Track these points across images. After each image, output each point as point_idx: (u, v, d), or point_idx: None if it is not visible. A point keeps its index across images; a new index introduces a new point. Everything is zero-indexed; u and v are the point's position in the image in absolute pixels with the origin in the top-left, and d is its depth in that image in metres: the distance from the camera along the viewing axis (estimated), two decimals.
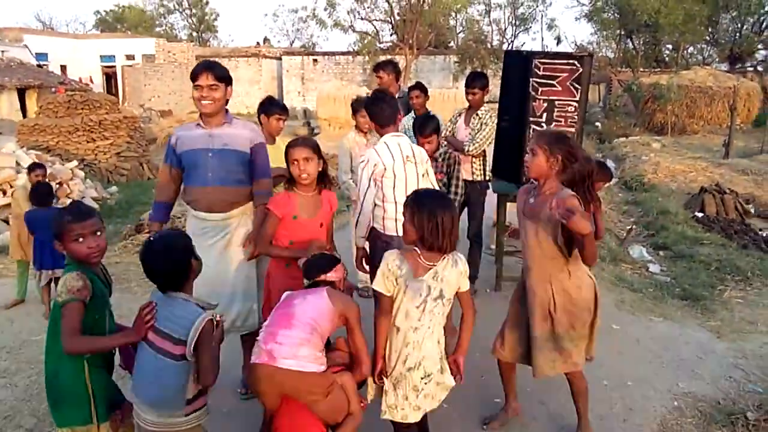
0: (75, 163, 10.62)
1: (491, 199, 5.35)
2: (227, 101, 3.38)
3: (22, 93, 23.83)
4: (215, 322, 2.22)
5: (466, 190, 5.06)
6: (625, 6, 27.00)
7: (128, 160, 13.19)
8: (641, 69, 28.03)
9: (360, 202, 3.48)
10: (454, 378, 2.64)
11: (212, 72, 3.21)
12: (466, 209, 5.16)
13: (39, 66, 27.94)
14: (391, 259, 2.47)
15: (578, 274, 2.85)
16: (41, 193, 5.20)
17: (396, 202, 3.42)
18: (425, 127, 4.21)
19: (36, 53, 28.53)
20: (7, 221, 7.80)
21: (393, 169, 3.40)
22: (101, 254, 2.34)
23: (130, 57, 31.51)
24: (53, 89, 21.06)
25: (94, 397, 2.27)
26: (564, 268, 2.82)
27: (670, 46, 31.20)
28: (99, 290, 2.29)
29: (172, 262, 2.22)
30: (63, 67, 30.23)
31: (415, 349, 2.50)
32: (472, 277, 5.20)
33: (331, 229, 3.25)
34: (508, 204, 5.43)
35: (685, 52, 31.42)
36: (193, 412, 2.24)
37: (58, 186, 9.22)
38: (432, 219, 2.36)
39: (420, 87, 5.53)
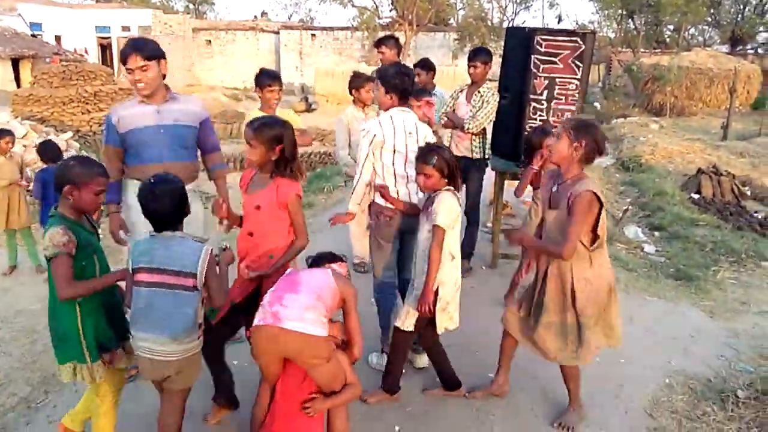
0: (70, 134, 10.53)
1: (489, 177, 5.33)
2: (164, 76, 3.29)
3: (15, 63, 23.51)
4: (224, 248, 2.61)
5: (464, 167, 5.05)
6: None
7: None
8: (642, 50, 27.84)
9: (359, 169, 3.46)
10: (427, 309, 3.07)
11: (140, 53, 3.10)
12: (463, 186, 5.14)
13: (33, 36, 27.51)
14: (453, 198, 2.95)
15: (599, 262, 2.84)
16: (53, 149, 5.20)
17: (396, 176, 3.42)
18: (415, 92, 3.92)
19: (30, 23, 28.04)
20: None
21: (393, 143, 3.38)
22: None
23: (125, 28, 31.01)
24: (48, 59, 20.77)
25: (85, 337, 2.47)
26: (586, 256, 2.81)
27: (671, 27, 30.95)
28: (85, 240, 2.46)
29: (171, 203, 2.41)
30: (57, 38, 29.76)
31: (457, 269, 3.05)
32: (468, 255, 5.22)
33: (296, 218, 2.83)
34: (506, 182, 5.43)
35: (687, 33, 31.18)
36: (200, 335, 2.51)
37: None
38: (451, 163, 2.94)
39: (423, 65, 5.41)
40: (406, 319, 3.06)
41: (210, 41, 34.11)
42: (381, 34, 30.46)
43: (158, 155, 3.23)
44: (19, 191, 5.59)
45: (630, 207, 8.27)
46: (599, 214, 2.75)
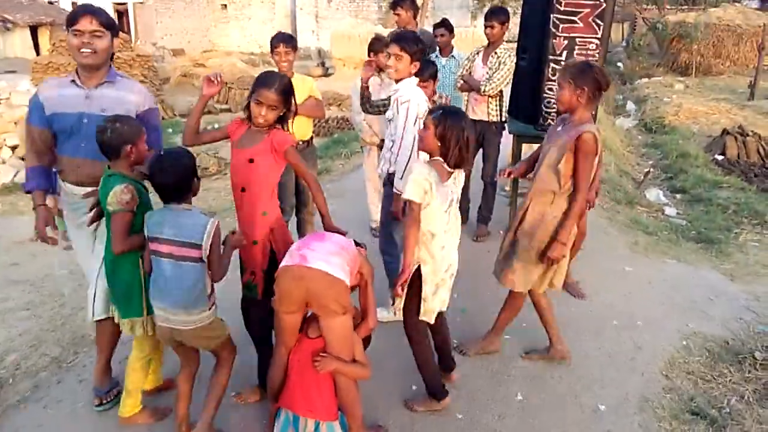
0: None
1: (507, 140, 5.28)
2: (113, 55, 2.88)
3: (34, 31, 23.60)
4: (232, 231, 2.63)
5: (481, 131, 5.01)
6: None
7: None
8: (668, 6, 26.91)
9: (404, 141, 3.33)
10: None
11: (96, 16, 2.71)
12: (480, 150, 5.11)
13: (50, 3, 27.50)
14: (422, 168, 2.64)
15: (561, 205, 2.99)
16: None
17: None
18: (423, 71, 3.76)
19: None
20: (23, 159, 7.89)
21: (425, 112, 3.39)
22: None
23: None
24: (65, 27, 20.78)
25: (145, 290, 2.61)
26: (550, 193, 2.98)
27: None
28: (145, 198, 2.64)
29: (179, 175, 2.46)
30: (74, 5, 29.70)
31: (449, 252, 2.76)
32: (486, 219, 5.21)
33: (298, 164, 2.79)
34: (524, 145, 5.37)
35: None
36: (212, 305, 2.57)
37: None
38: (451, 133, 2.59)
39: (446, 25, 5.38)
40: (394, 304, 2.95)
41: (225, 5, 33.75)
42: None
43: (73, 148, 2.80)
44: None
45: (652, 169, 8.15)
46: (591, 161, 2.90)
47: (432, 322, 2.83)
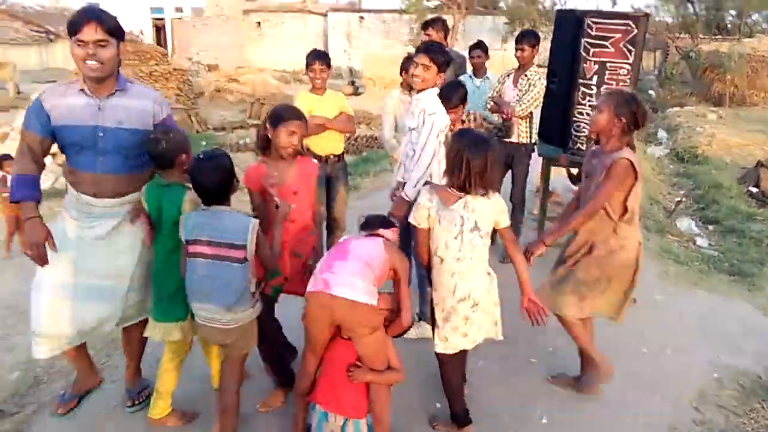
0: None
1: (536, 163, 5.28)
2: (120, 62, 2.64)
3: None
4: (277, 206, 2.69)
5: (510, 153, 5.01)
6: None
7: (177, 111, 13.38)
8: (701, 36, 26.70)
9: (424, 152, 3.35)
10: (537, 317, 2.75)
11: (101, 23, 2.45)
12: (509, 172, 5.11)
13: None
14: (422, 192, 2.68)
15: (625, 235, 2.92)
16: None
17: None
18: (451, 97, 3.72)
19: (88, 3, 28.98)
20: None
21: (447, 126, 3.47)
22: None
23: (179, 10, 31.77)
24: None
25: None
26: (610, 226, 2.91)
27: (733, 13, 29.55)
28: None
29: (220, 177, 2.50)
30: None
31: (462, 280, 2.63)
32: None
33: (314, 198, 3.01)
34: (553, 168, 5.36)
35: (749, 19, 29.72)
36: (255, 302, 2.64)
37: None
38: (458, 156, 2.53)
39: (481, 46, 5.44)
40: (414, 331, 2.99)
41: (260, 23, 34.48)
42: (429, 16, 30.06)
43: (89, 163, 2.62)
44: None
45: (683, 199, 8.03)
46: (632, 186, 2.82)
47: (446, 352, 2.71)
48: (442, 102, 3.62)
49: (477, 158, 2.50)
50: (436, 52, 3.43)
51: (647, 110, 2.91)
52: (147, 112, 2.70)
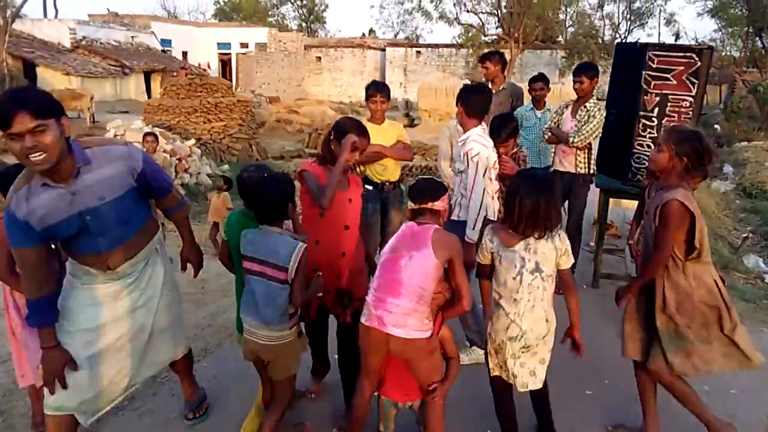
0: (192, 141, 11.39)
1: (594, 195, 5.23)
2: (68, 138, 2.29)
3: (147, 76, 25.84)
4: (318, 274, 2.73)
5: (568, 183, 5.00)
6: (755, 1, 24.86)
7: (239, 141, 13.96)
8: None
9: (473, 191, 3.42)
10: (578, 352, 2.75)
11: (30, 109, 2.09)
12: (566, 202, 5.09)
13: (163, 51, 30.11)
14: (485, 233, 2.75)
15: (697, 274, 2.75)
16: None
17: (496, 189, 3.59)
18: (502, 131, 3.73)
19: (161, 39, 30.71)
20: None
21: (495, 160, 3.54)
22: None
23: (244, 45, 33.13)
24: (175, 73, 22.64)
25: None
26: (679, 266, 2.75)
27: None
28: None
29: (278, 199, 2.60)
30: (184, 53, 32.33)
31: (516, 320, 2.61)
32: None
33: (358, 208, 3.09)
34: (611, 200, 5.29)
35: None
36: (294, 325, 2.72)
37: (177, 161, 9.96)
38: (512, 198, 2.55)
39: (543, 78, 5.50)
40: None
41: (320, 57, 35.61)
42: (486, 50, 30.22)
43: (93, 245, 2.45)
44: None
45: (750, 235, 7.74)
46: (693, 224, 2.66)
47: (504, 377, 2.73)
48: (492, 136, 3.69)
49: (529, 200, 2.50)
50: (472, 92, 3.64)
51: (712, 146, 2.79)
52: (124, 174, 2.47)
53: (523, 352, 2.65)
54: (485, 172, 3.43)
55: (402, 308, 2.43)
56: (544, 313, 2.65)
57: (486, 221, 3.49)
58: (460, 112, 3.62)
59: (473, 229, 3.41)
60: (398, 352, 2.50)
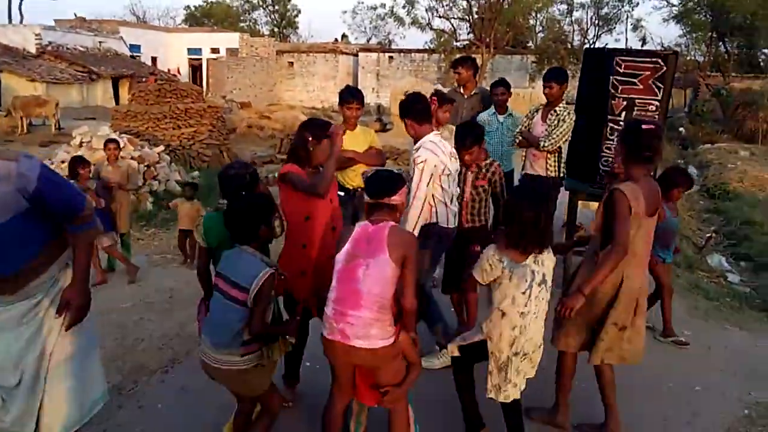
0: (162, 148, 11.20)
1: (564, 197, 5.30)
2: None
3: (115, 82, 25.41)
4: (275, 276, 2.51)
5: None
6: (718, 7, 25.54)
7: (210, 147, 13.76)
8: (733, 74, 26.55)
9: (415, 197, 3.43)
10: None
11: None
12: None
13: (132, 57, 29.66)
14: (489, 255, 2.61)
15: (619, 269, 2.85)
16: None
17: (453, 196, 3.63)
18: (465, 138, 3.71)
19: (130, 45, 30.26)
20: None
21: (448, 167, 3.54)
22: None
23: (215, 50, 32.83)
24: (144, 79, 22.31)
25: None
26: (595, 255, 2.89)
27: (766, 51, 29.37)
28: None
29: (244, 220, 2.53)
30: (154, 59, 31.90)
31: (522, 333, 2.62)
32: None
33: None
34: (580, 203, 5.36)
35: None
36: (246, 354, 2.49)
37: (146, 168, 9.79)
38: (511, 213, 2.55)
39: (504, 84, 5.55)
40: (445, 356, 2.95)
41: (292, 63, 35.45)
42: (458, 56, 30.61)
43: None
44: (123, 198, 6.00)
45: (714, 235, 7.92)
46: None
47: (499, 399, 2.73)
48: (457, 144, 3.72)
49: (531, 215, 2.50)
50: (414, 102, 3.64)
51: (653, 138, 2.74)
52: (9, 196, 2.09)
53: (522, 362, 2.68)
54: (430, 179, 3.45)
55: (364, 319, 2.39)
56: (543, 322, 2.69)
57: (437, 228, 3.54)
58: (410, 126, 3.60)
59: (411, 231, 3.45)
60: (364, 363, 2.49)
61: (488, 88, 5.83)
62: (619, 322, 2.86)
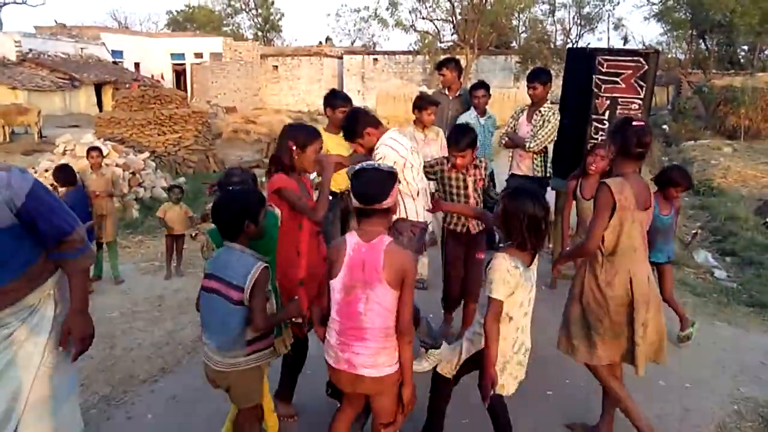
0: (147, 154, 11.13)
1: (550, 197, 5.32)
2: None
3: (98, 88, 25.17)
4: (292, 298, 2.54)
5: None
6: (697, 5, 25.85)
7: (195, 152, 13.70)
8: (713, 71, 26.87)
9: None
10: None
11: None
12: None
13: (114, 63, 29.41)
14: (506, 264, 2.45)
15: (612, 271, 2.80)
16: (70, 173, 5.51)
17: (420, 189, 3.65)
18: (460, 141, 3.75)
19: (112, 50, 30.00)
20: None
21: (409, 160, 3.55)
22: None
23: (198, 55, 32.65)
24: (127, 85, 22.14)
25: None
26: (599, 259, 2.82)
27: (746, 48, 29.77)
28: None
29: (228, 214, 2.48)
30: (137, 65, 31.65)
31: (523, 332, 2.61)
32: None
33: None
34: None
35: (762, 54, 29.90)
36: (253, 352, 2.49)
37: (131, 175, 9.72)
38: (515, 219, 2.44)
39: (485, 86, 5.56)
40: (446, 365, 2.83)
41: (277, 66, 35.37)
42: (442, 57, 30.85)
43: None
44: (109, 206, 5.94)
45: (699, 231, 8.00)
46: (612, 216, 2.70)
47: (505, 394, 2.65)
48: (450, 145, 3.77)
49: (530, 212, 2.43)
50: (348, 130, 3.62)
51: (644, 135, 2.74)
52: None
53: (524, 356, 2.64)
54: None
55: (370, 349, 2.30)
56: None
57: (408, 222, 3.59)
58: (369, 134, 3.53)
59: None
60: (370, 391, 2.39)
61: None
62: (646, 322, 2.81)
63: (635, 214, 2.74)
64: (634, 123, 2.78)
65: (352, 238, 2.34)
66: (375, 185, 2.31)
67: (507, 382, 2.63)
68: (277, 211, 2.88)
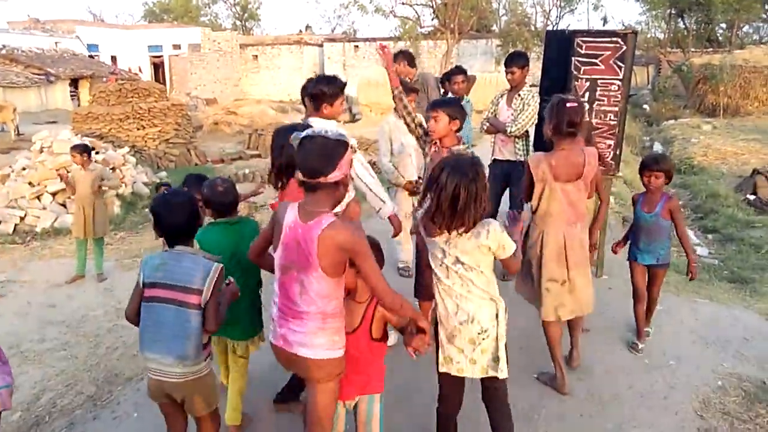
0: (126, 149, 10.96)
1: None
2: None
3: (75, 83, 24.76)
4: (227, 282, 2.50)
5: (508, 170, 5.08)
6: None
7: (176, 146, 13.51)
8: (692, 49, 27.04)
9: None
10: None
11: None
12: (507, 190, 5.17)
13: (91, 57, 28.92)
14: (417, 217, 2.58)
15: (536, 232, 3.32)
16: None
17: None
18: (452, 103, 3.59)
19: (87, 44, 29.50)
20: (64, 205, 8.18)
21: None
22: None
23: (176, 47, 32.19)
24: (104, 79, 21.77)
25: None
26: (532, 222, 3.39)
27: (723, 26, 29.97)
28: None
29: (183, 216, 2.41)
30: (113, 58, 31.16)
31: (460, 303, 2.44)
32: None
33: None
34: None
35: (740, 31, 30.13)
36: (209, 355, 2.47)
37: (111, 171, 9.57)
38: (432, 188, 2.31)
39: (463, 71, 5.51)
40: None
41: (257, 56, 35.00)
42: (423, 42, 30.80)
43: None
44: (94, 203, 5.84)
45: (681, 209, 8.08)
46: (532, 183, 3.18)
47: (453, 373, 2.50)
48: (427, 109, 3.74)
49: (449, 189, 2.25)
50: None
51: (575, 115, 3.06)
52: None
53: (483, 339, 2.44)
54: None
55: (307, 328, 2.16)
56: (485, 295, 2.46)
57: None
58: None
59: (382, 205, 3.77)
60: (304, 373, 2.25)
61: (425, 72, 5.78)
62: (556, 277, 3.23)
63: (554, 185, 3.13)
64: (568, 104, 3.08)
65: (291, 212, 2.16)
66: (320, 155, 2.06)
67: (457, 359, 2.48)
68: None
